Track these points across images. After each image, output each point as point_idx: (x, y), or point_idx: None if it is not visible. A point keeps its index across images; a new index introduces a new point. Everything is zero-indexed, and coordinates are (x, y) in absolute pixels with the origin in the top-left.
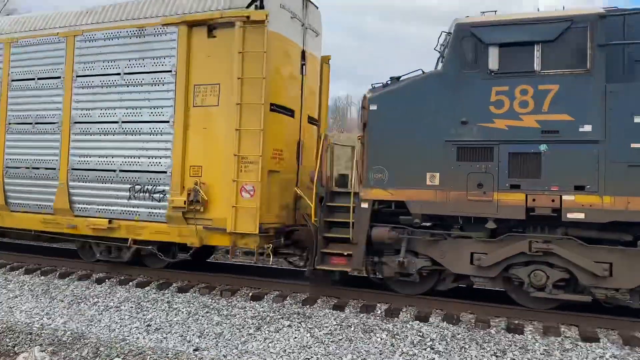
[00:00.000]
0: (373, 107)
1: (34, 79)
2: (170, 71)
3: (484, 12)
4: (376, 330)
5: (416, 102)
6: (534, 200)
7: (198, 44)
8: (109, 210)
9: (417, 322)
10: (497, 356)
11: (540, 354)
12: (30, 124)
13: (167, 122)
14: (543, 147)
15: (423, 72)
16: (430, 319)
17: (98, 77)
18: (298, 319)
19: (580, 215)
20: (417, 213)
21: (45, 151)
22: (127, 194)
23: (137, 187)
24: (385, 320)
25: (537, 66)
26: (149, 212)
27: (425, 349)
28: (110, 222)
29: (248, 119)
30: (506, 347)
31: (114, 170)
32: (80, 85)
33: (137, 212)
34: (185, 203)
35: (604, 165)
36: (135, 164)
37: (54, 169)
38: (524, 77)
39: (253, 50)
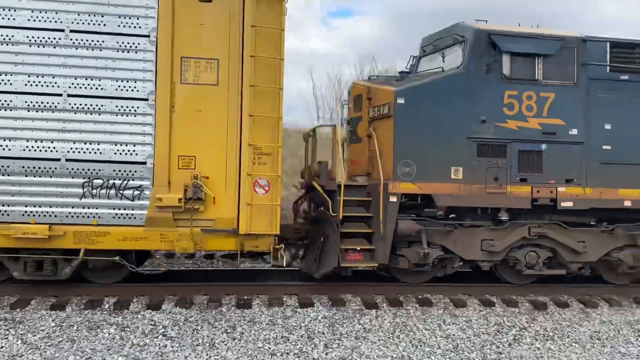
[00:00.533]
0: (400, 101)
1: None
2: (147, 35)
3: (477, 20)
4: (103, 325)
5: (441, 99)
6: (537, 191)
7: (186, 6)
8: (47, 212)
9: (149, 311)
10: (227, 332)
11: (266, 324)
12: None
13: (144, 100)
14: (544, 146)
15: (443, 70)
16: (163, 305)
17: (21, 30)
18: (6, 325)
19: (570, 204)
20: (442, 205)
21: None
22: (80, 190)
23: (97, 181)
24: (113, 314)
25: (538, 76)
26: (115, 214)
27: (157, 337)
28: (49, 228)
29: (262, 104)
30: (236, 322)
31: (57, 160)
32: None
33: (96, 213)
34: (180, 201)
35: (586, 162)
36: (92, 151)
37: None
38: (530, 84)
39: (269, 27)
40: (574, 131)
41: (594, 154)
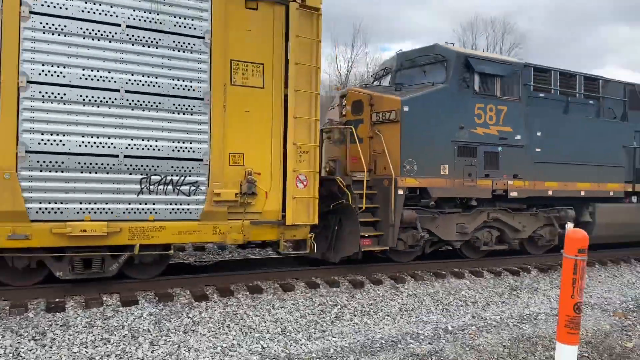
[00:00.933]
0: (406, 109)
1: None
2: (202, 37)
3: (447, 42)
4: None
5: (434, 108)
6: (496, 184)
7: (235, 12)
8: (104, 209)
9: None
10: (36, 340)
11: (83, 327)
12: None
13: (201, 99)
14: (500, 148)
15: (433, 84)
16: None
17: (76, 21)
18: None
19: (516, 194)
20: (435, 197)
21: None
22: (137, 187)
23: (155, 177)
24: None
25: (497, 92)
26: (172, 209)
27: None
28: (107, 225)
29: (303, 107)
30: (46, 327)
31: (115, 156)
32: (40, 27)
33: (153, 209)
34: (236, 196)
35: (525, 161)
36: (152, 148)
37: None
38: (491, 99)
39: (309, 37)
40: (519, 137)
41: (530, 154)
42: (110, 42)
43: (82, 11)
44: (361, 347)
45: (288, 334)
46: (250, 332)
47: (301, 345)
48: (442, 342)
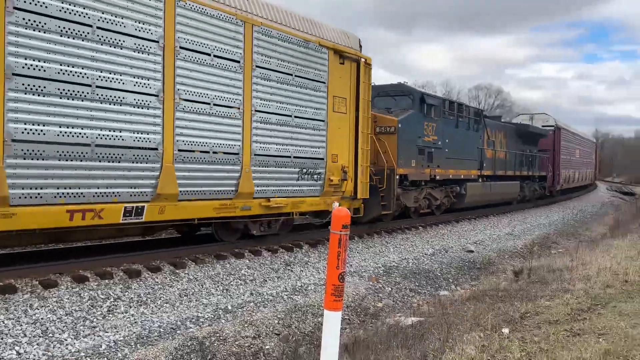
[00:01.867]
0: (399, 125)
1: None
2: (324, 82)
3: (405, 81)
4: None
5: (410, 124)
6: (431, 171)
7: (335, 67)
8: (285, 190)
9: None
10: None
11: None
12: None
13: (323, 121)
14: (433, 150)
15: (406, 110)
16: None
17: (274, 72)
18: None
19: (439, 177)
20: (410, 180)
21: (227, 135)
22: (296, 176)
23: (304, 170)
24: None
25: (433, 115)
26: (309, 189)
27: None
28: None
29: (364, 125)
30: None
31: (289, 157)
32: (259, 75)
33: (302, 190)
34: (339, 181)
35: (442, 157)
36: (303, 152)
37: (237, 154)
38: (430, 120)
39: (367, 82)
40: (439, 142)
41: (443, 153)
42: (287, 85)
43: (276, 65)
44: (137, 339)
45: (51, 335)
46: (1, 338)
47: (67, 345)
48: (222, 322)
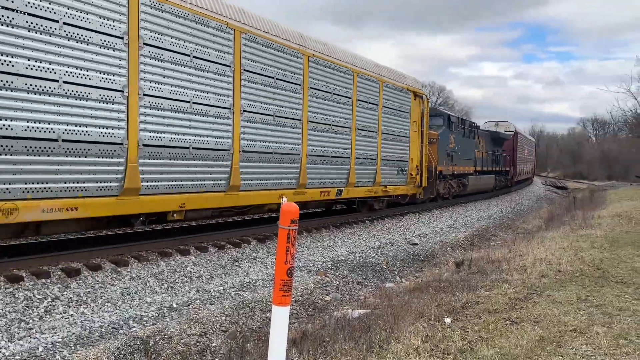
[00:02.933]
0: (438, 137)
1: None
2: (408, 112)
3: (441, 107)
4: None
5: (443, 137)
6: (452, 168)
7: (412, 101)
8: (392, 181)
9: None
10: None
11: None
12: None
13: (407, 137)
14: (452, 154)
15: (441, 126)
16: None
17: (391, 109)
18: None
19: (455, 172)
20: (444, 174)
21: (371, 150)
22: (396, 172)
23: (399, 168)
24: None
25: (452, 129)
26: (400, 180)
27: None
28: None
29: (426, 139)
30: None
31: (395, 160)
32: (385, 112)
33: (399, 181)
34: (415, 175)
35: (457, 159)
36: (400, 157)
37: (374, 159)
38: (451, 132)
39: (426, 110)
40: (455, 148)
41: (457, 155)
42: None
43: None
44: (77, 340)
45: None
46: None
47: (0, 348)
48: (167, 320)
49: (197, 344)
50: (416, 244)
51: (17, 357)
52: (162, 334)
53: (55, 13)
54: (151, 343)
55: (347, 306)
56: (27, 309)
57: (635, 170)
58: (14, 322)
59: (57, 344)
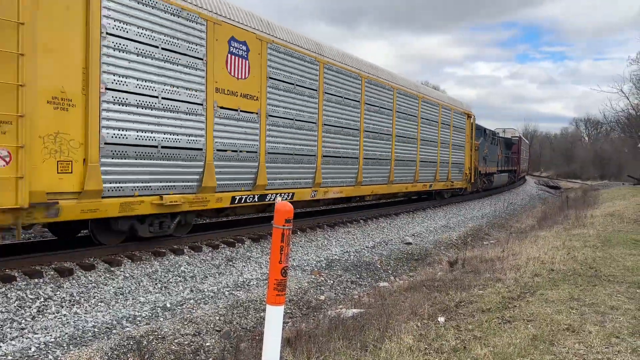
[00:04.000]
0: (479, 146)
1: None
2: (464, 129)
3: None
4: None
5: (481, 145)
6: (486, 169)
7: (467, 120)
8: (456, 177)
9: None
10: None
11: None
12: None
13: (463, 146)
14: (484, 158)
15: (480, 138)
16: None
17: (453, 127)
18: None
19: (488, 171)
20: (482, 172)
21: (432, 155)
22: (458, 170)
23: (459, 168)
24: None
25: (485, 139)
26: (459, 177)
27: None
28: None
29: (474, 147)
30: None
31: (458, 163)
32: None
33: (459, 177)
34: (467, 173)
35: (488, 161)
36: (459, 160)
37: (434, 162)
38: (485, 141)
39: (474, 124)
40: (486, 153)
41: (488, 159)
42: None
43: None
44: (70, 340)
45: None
46: None
47: None
48: (161, 320)
49: (191, 343)
50: (410, 244)
51: (10, 358)
52: (156, 333)
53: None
54: (145, 343)
55: (342, 305)
56: (20, 309)
57: (628, 170)
58: (6, 322)
59: (50, 344)
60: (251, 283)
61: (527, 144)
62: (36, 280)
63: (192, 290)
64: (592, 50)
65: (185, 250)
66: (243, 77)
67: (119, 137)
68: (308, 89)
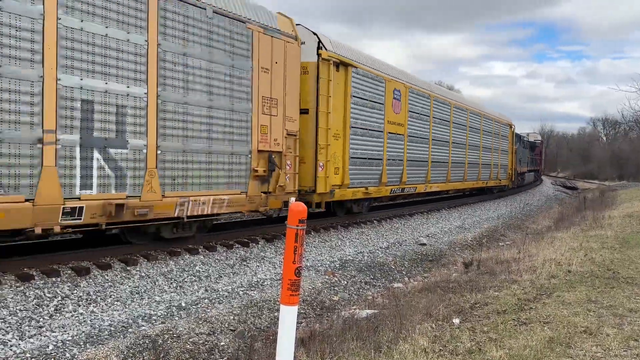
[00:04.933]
0: (516, 150)
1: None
2: (507, 137)
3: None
4: None
5: (518, 150)
6: (520, 169)
7: (509, 130)
8: (502, 175)
9: None
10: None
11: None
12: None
13: (507, 151)
14: (517, 160)
15: (517, 143)
16: None
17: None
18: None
19: (520, 170)
20: (519, 172)
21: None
22: (503, 170)
23: (504, 169)
24: None
25: (520, 143)
26: (504, 175)
27: None
28: (500, 180)
29: (514, 152)
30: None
31: (503, 165)
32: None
33: (504, 176)
34: (509, 173)
35: (522, 162)
36: (505, 163)
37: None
38: (520, 145)
39: (514, 132)
40: (520, 155)
41: (522, 160)
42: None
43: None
44: (87, 338)
45: None
46: None
47: (11, 346)
48: (176, 319)
49: (206, 342)
50: (424, 244)
51: (28, 355)
52: (171, 332)
53: (367, 95)
54: (160, 342)
55: (355, 306)
56: (38, 307)
57: None
58: (25, 320)
59: (67, 342)
60: (265, 283)
61: (544, 145)
62: (54, 279)
63: (206, 290)
64: (610, 49)
65: (200, 250)
66: (397, 112)
67: (354, 153)
68: (426, 115)
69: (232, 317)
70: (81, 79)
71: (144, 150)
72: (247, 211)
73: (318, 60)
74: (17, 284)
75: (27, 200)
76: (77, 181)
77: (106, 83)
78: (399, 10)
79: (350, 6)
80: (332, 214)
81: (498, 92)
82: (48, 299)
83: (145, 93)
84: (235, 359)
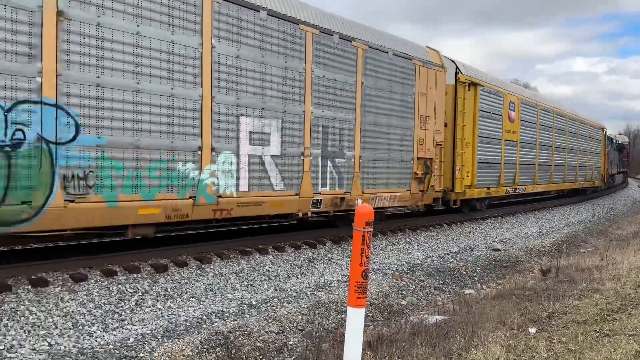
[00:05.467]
0: (608, 153)
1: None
2: (600, 140)
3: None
4: None
5: (609, 153)
6: (610, 170)
7: (602, 134)
8: (594, 178)
9: None
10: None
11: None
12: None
13: (600, 154)
14: (610, 162)
15: (610, 146)
16: None
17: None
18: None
19: (612, 173)
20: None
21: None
22: (597, 173)
23: (598, 171)
24: None
25: (610, 146)
26: (598, 177)
27: None
28: (593, 182)
29: (606, 154)
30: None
31: (596, 167)
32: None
33: (597, 177)
34: (603, 174)
35: (613, 164)
36: (598, 165)
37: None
38: (611, 148)
39: (605, 137)
40: (611, 157)
41: (613, 162)
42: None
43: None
44: (164, 332)
45: (80, 327)
46: (35, 330)
47: (96, 337)
48: (247, 317)
49: (275, 341)
50: (498, 250)
51: (111, 347)
52: (242, 329)
53: (490, 109)
54: (232, 338)
55: (424, 311)
56: (120, 301)
57: None
58: (108, 313)
59: (147, 335)
60: (332, 284)
61: (631, 145)
62: (135, 275)
63: (275, 289)
64: None
65: (269, 250)
66: (512, 121)
67: (480, 159)
68: (533, 123)
69: (300, 317)
70: (312, 110)
71: (352, 160)
72: (410, 205)
73: (456, 83)
74: (102, 279)
75: (295, 194)
76: (319, 181)
77: (334, 113)
78: (473, 8)
79: (422, 6)
80: (454, 210)
81: (578, 90)
82: (129, 294)
83: (354, 118)
84: (304, 359)
